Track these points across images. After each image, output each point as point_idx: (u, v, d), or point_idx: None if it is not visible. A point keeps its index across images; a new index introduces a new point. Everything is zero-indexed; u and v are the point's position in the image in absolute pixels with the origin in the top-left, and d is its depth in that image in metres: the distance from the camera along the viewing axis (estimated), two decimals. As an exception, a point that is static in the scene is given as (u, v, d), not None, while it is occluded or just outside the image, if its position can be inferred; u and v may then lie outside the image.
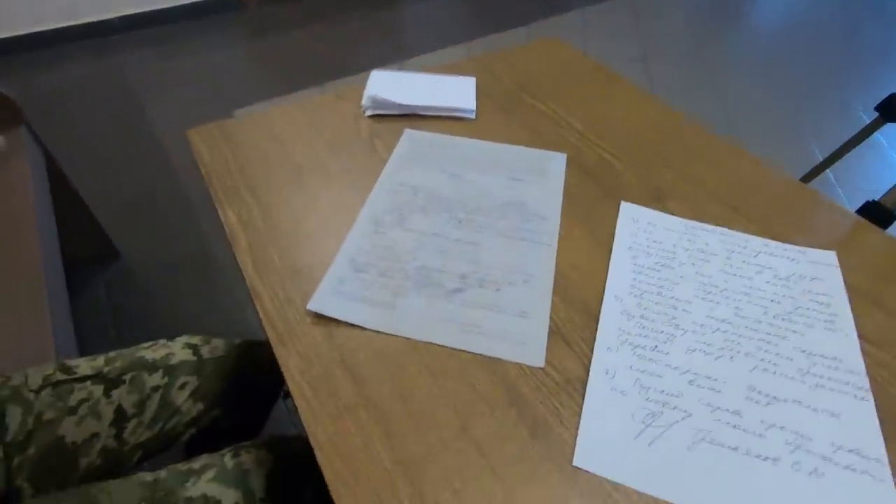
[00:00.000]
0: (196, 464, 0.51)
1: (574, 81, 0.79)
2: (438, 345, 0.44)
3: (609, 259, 0.52)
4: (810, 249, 0.53)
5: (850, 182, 1.62)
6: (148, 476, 0.49)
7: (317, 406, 0.40)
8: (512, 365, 0.43)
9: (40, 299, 0.74)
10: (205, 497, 0.48)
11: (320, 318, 0.46)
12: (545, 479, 0.37)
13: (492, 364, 0.43)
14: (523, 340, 0.45)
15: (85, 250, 1.29)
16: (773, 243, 0.54)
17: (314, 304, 0.47)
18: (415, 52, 2.24)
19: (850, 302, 0.49)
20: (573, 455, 0.38)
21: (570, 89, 0.77)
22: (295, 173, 0.62)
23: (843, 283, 0.50)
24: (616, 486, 0.36)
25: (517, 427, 0.39)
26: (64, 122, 1.81)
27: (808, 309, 0.48)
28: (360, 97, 0.73)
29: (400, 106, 0.71)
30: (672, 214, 0.57)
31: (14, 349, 0.69)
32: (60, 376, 0.53)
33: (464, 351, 0.44)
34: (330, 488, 0.35)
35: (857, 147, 1.05)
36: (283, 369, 0.42)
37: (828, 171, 1.14)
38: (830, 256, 0.53)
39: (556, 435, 0.39)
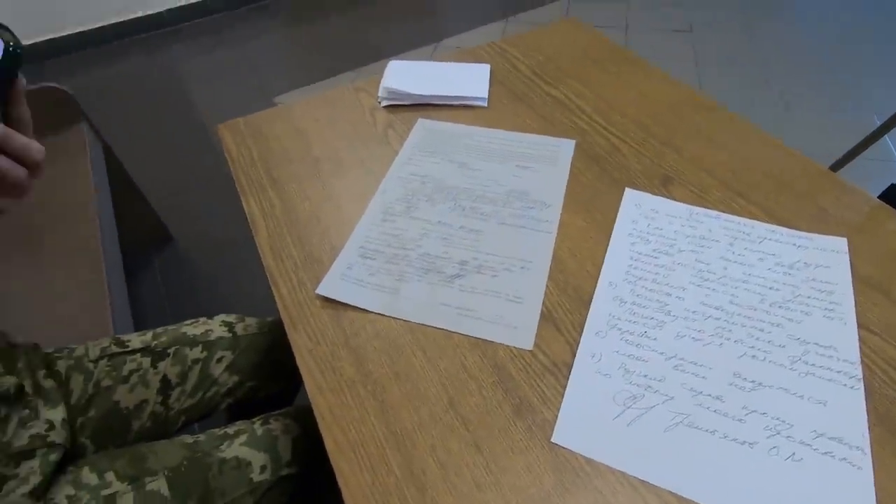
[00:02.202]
0: (231, 429, 0.58)
1: (590, 64, 0.78)
2: (435, 327, 0.48)
3: (608, 246, 0.53)
4: (819, 236, 0.52)
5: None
6: (189, 438, 0.56)
7: (321, 381, 0.44)
8: (502, 347, 0.46)
9: (100, 280, 0.83)
10: (237, 459, 0.54)
11: (329, 301, 0.50)
12: (524, 453, 0.39)
13: (483, 346, 0.46)
14: (515, 324, 0.47)
15: (142, 235, 1.41)
16: (780, 229, 0.53)
17: (323, 289, 0.51)
18: (451, 31, 2.23)
19: (856, 290, 0.48)
20: (553, 433, 0.40)
21: (584, 72, 0.76)
22: (313, 165, 0.66)
23: (849, 271, 0.49)
24: (590, 462, 0.39)
25: (502, 405, 0.42)
26: (119, 113, 1.94)
27: (807, 297, 0.47)
28: (378, 88, 0.76)
29: (413, 96, 0.73)
30: (677, 200, 0.57)
31: (77, 325, 0.79)
32: (115, 349, 0.61)
33: (458, 333, 0.47)
34: (329, 455, 0.40)
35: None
36: (294, 349, 0.47)
37: (890, 144, 1.06)
38: (840, 243, 0.51)
39: (539, 414, 0.42)
